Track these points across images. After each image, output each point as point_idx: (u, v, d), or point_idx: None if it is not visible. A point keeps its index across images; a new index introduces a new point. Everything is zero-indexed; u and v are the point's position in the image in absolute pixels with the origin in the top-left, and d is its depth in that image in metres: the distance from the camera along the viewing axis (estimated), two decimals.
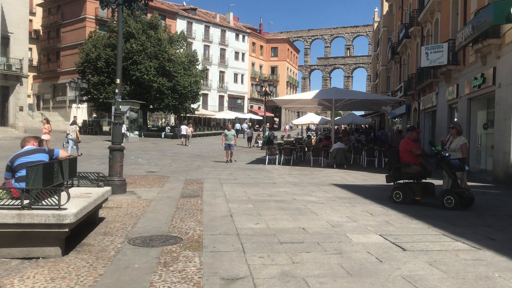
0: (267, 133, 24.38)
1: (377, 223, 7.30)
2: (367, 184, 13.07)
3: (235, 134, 21.49)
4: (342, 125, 50.38)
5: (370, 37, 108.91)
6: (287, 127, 65.75)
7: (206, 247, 5.65)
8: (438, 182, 10.07)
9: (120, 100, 10.80)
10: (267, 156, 20.01)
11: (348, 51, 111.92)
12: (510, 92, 12.83)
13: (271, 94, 34.90)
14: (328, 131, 41.50)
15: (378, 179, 14.55)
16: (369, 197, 10.19)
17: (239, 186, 11.83)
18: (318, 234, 6.47)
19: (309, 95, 20.11)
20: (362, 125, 50.41)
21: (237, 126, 48.33)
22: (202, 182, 12.58)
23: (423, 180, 9.46)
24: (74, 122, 21.66)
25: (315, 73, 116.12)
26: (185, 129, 33.95)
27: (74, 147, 20.38)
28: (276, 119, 79.29)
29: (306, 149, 23.80)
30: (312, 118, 35.74)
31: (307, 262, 5.04)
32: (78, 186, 7.36)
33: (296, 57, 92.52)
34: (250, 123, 59.81)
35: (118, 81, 10.70)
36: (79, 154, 20.44)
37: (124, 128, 31.93)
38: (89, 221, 6.72)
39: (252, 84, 73.55)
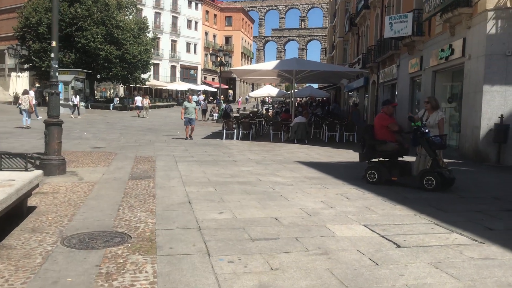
0: (223, 105, 23.07)
1: (357, 210, 6.43)
2: (334, 162, 12.27)
3: (196, 107, 18.92)
4: (298, 98, 49.68)
5: (325, 9, 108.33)
6: (239, 99, 64.27)
7: (160, 248, 4.54)
8: (413, 160, 9.33)
9: (57, 66, 9.26)
10: (224, 131, 18.87)
11: (302, 23, 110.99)
12: (481, 64, 12.28)
13: (226, 64, 33.48)
14: (284, 105, 40.68)
15: (343, 155, 13.82)
16: (339, 176, 9.35)
17: (196, 165, 10.68)
18: (295, 226, 5.50)
19: (269, 65, 19.00)
20: (317, 98, 49.94)
21: (194, 98, 46.26)
22: (154, 160, 11.33)
23: (399, 159, 8.69)
24: (26, 92, 21.16)
25: (270, 45, 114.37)
26: (140, 101, 33.05)
27: (27, 118, 19.91)
28: (231, 91, 77.73)
29: (264, 123, 22.87)
30: (269, 91, 34.64)
31: (289, 268, 4.05)
32: (0, 169, 6.01)
33: (251, 28, 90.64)
34: (205, 95, 58.02)
35: (54, 43, 9.16)
36: (26, 126, 19.54)
37: (77, 100, 29.95)
38: (14, 214, 5.43)
39: (205, 54, 71.32)
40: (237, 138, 18.53)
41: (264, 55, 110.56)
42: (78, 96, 30.86)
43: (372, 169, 8.52)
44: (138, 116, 32.44)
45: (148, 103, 34.11)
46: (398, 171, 8.37)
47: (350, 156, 13.58)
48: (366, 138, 8.71)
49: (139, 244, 4.68)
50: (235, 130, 18.75)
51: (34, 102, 22.31)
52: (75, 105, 29.56)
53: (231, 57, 33.81)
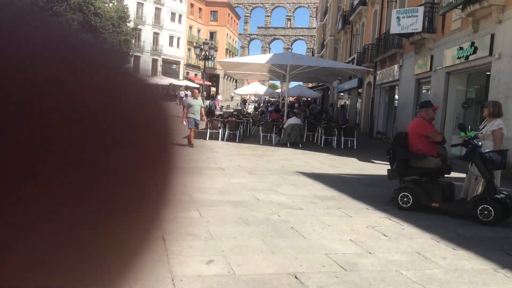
0: (207, 102, 20.92)
1: (407, 258, 4.43)
2: (343, 174, 10.23)
3: (202, 104, 14.44)
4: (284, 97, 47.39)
5: (311, 9, 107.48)
6: (219, 97, 61.45)
7: None
8: (454, 175, 7.36)
9: None
10: (208, 130, 16.75)
11: (288, 22, 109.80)
12: None
13: (211, 58, 31.32)
14: (269, 104, 38.71)
15: (349, 165, 11.83)
16: (359, 197, 7.33)
17: None
18: None
19: (261, 58, 16.95)
20: (303, 99, 47.92)
21: (182, 94, 44.13)
22: None
23: (440, 177, 6.74)
24: None
25: (255, 43, 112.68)
26: None
27: None
28: (213, 88, 75.42)
29: (251, 123, 20.83)
30: (257, 88, 32.49)
31: None
32: None
33: (237, 24, 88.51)
34: (187, 91, 55.59)
35: None
36: None
37: None
38: None
39: (189, 49, 68.86)
40: (222, 139, 16.44)
41: (248, 53, 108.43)
42: None
43: (406, 191, 6.53)
44: None
45: None
46: (440, 194, 6.40)
47: (357, 166, 11.62)
48: (398, 150, 6.71)
49: None
50: (220, 130, 16.66)
51: None
52: None
53: (216, 50, 31.65)
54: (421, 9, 15.91)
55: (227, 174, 8.86)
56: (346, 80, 31.79)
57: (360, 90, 29.15)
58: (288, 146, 15.60)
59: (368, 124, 25.07)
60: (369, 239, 5.00)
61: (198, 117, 13.37)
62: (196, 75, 71.77)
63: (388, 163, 7.13)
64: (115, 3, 43.45)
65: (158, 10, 63.18)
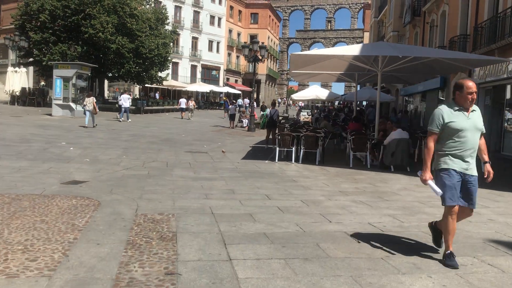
0: (267, 111, 16.60)
1: None
2: None
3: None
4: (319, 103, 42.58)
5: (352, 10, 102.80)
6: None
7: None
8: None
9: None
10: (277, 148, 12.53)
11: (329, 24, 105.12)
12: None
13: (262, 60, 27.13)
14: (326, 110, 34.17)
15: None
16: None
17: (276, 259, 4.31)
18: None
19: (349, 50, 12.56)
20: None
21: (240, 101, 41.12)
22: (174, 235, 4.99)
23: None
24: (90, 95, 21.27)
25: (294, 47, 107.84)
26: (184, 103, 32.81)
27: (91, 118, 19.97)
28: (255, 95, 71.37)
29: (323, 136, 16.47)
30: (317, 92, 27.94)
31: None
32: None
33: (278, 26, 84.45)
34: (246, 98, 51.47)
35: None
36: (95, 125, 19.92)
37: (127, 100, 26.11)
38: None
39: (228, 54, 65.28)
40: (297, 161, 12.22)
41: (287, 58, 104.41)
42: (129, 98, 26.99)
43: None
44: (181, 118, 31.09)
45: (194, 105, 34.12)
46: None
47: None
48: None
49: None
50: (293, 148, 12.45)
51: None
52: (121, 107, 25.74)
53: (267, 50, 27.47)
54: None
55: (375, 261, 4.54)
56: (420, 81, 26.88)
57: (440, 95, 24.26)
58: (392, 170, 11.21)
59: None
60: None
61: None
62: (236, 81, 68.08)
63: None
64: (152, 5, 40.04)
65: (196, 13, 59.81)
